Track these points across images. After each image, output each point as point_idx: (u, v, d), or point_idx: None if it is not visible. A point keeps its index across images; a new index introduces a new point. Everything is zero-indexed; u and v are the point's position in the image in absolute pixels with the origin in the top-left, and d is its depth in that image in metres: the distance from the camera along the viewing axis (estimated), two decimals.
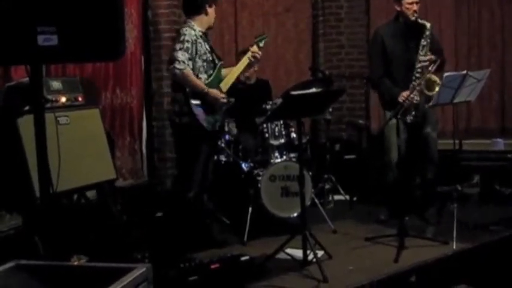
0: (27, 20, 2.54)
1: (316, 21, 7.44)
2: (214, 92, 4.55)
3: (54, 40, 2.55)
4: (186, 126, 4.54)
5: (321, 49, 7.47)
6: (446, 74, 4.51)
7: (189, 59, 4.45)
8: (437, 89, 4.69)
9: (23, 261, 2.45)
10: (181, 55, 4.41)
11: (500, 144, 6.45)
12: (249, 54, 4.72)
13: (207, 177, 4.77)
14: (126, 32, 5.57)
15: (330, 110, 5.92)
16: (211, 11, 4.63)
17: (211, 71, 4.62)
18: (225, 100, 4.60)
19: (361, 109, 7.09)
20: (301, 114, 4.40)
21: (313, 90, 5.19)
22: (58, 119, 4.07)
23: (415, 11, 4.94)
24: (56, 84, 4.42)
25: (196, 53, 4.50)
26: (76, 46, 2.59)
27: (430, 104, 4.66)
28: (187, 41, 4.45)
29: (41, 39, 2.54)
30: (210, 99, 4.53)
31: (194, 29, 4.56)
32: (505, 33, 6.86)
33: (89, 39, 2.59)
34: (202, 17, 4.62)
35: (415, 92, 4.78)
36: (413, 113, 4.80)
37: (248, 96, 5.76)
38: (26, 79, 3.74)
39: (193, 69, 4.49)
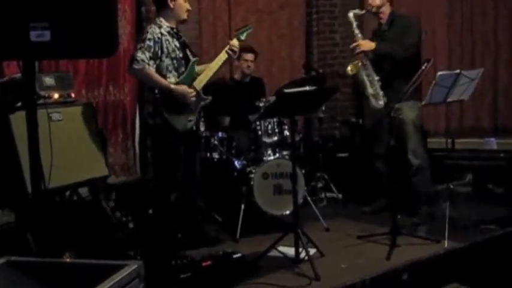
0: (20, 16, 2.53)
1: (310, 18, 7.44)
2: (180, 88, 4.35)
3: (46, 36, 2.54)
4: (159, 127, 4.38)
5: (314, 47, 7.46)
6: (439, 73, 4.51)
7: (151, 58, 4.27)
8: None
9: (14, 258, 2.44)
10: (140, 54, 4.25)
11: (492, 143, 6.45)
12: (227, 47, 4.55)
13: (191, 177, 4.70)
14: (120, 28, 5.56)
15: (323, 108, 5.92)
16: (175, 4, 4.43)
17: (183, 69, 4.45)
18: (194, 97, 4.40)
19: (354, 107, 7.10)
20: (295, 112, 4.40)
21: (307, 88, 5.19)
22: (50, 115, 4.05)
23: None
24: (48, 81, 4.41)
25: (162, 52, 4.33)
26: (69, 42, 2.58)
27: (424, 102, 4.66)
28: (149, 39, 4.28)
29: (33, 35, 2.54)
30: (177, 96, 4.34)
31: (161, 26, 4.39)
32: (498, 33, 6.86)
33: (81, 35, 2.58)
34: (168, 11, 4.45)
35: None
36: None
37: (241, 93, 5.76)
38: (19, 75, 3.76)
39: (159, 68, 4.33)
